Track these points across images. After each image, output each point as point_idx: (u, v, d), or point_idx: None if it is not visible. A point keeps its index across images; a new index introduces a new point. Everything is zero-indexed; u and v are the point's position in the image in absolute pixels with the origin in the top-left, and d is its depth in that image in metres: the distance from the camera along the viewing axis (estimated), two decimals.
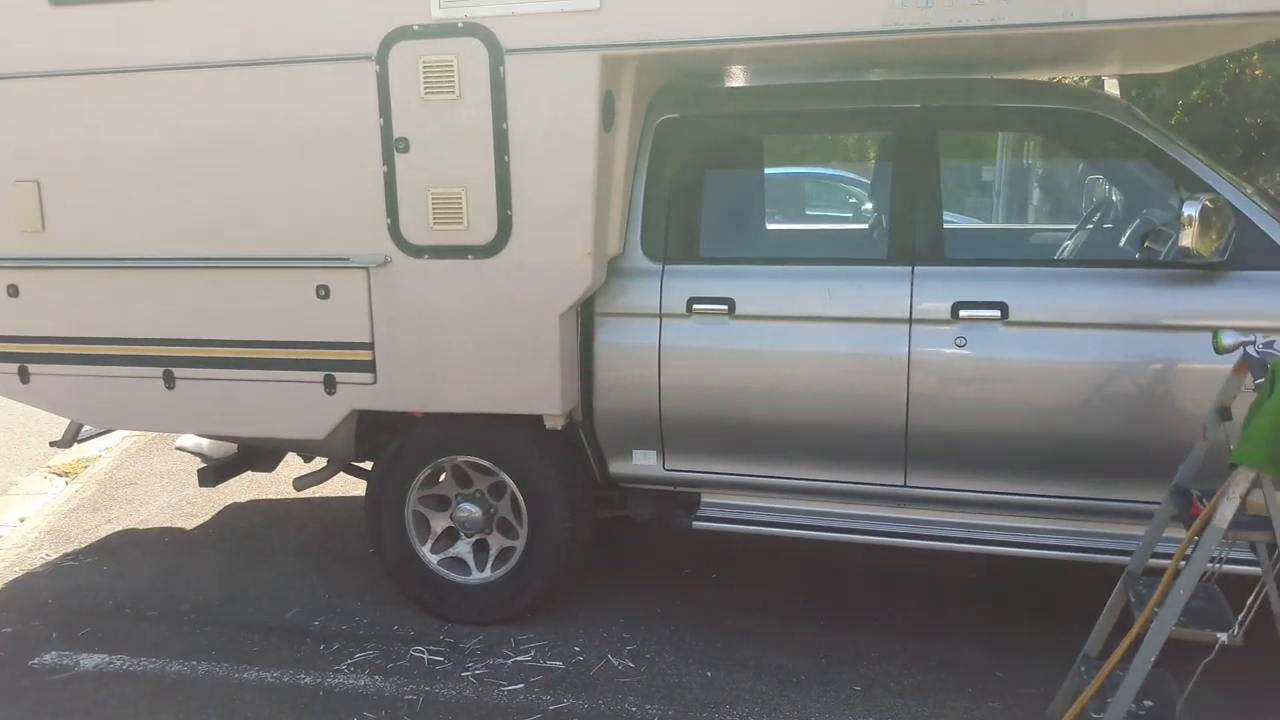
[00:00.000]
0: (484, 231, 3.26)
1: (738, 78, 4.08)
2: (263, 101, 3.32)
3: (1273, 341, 2.61)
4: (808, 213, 8.95)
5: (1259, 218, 3.09)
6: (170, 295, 3.56)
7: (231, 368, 3.56)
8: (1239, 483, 2.48)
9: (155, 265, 3.53)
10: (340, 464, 4.08)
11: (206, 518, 4.95)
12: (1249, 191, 3.23)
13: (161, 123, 3.41)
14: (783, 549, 3.90)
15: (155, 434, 6.03)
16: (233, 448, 4.22)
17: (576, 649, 3.55)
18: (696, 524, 3.55)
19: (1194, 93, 9.56)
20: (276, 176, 3.37)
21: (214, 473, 4.15)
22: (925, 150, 3.34)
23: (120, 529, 4.83)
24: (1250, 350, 2.62)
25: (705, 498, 3.61)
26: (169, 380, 3.62)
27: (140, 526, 4.86)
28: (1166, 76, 8.40)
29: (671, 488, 3.65)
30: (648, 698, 3.24)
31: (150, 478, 5.55)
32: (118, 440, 6.09)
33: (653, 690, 3.28)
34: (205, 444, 4.25)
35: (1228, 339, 2.65)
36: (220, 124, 3.37)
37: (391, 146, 3.25)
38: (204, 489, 4.49)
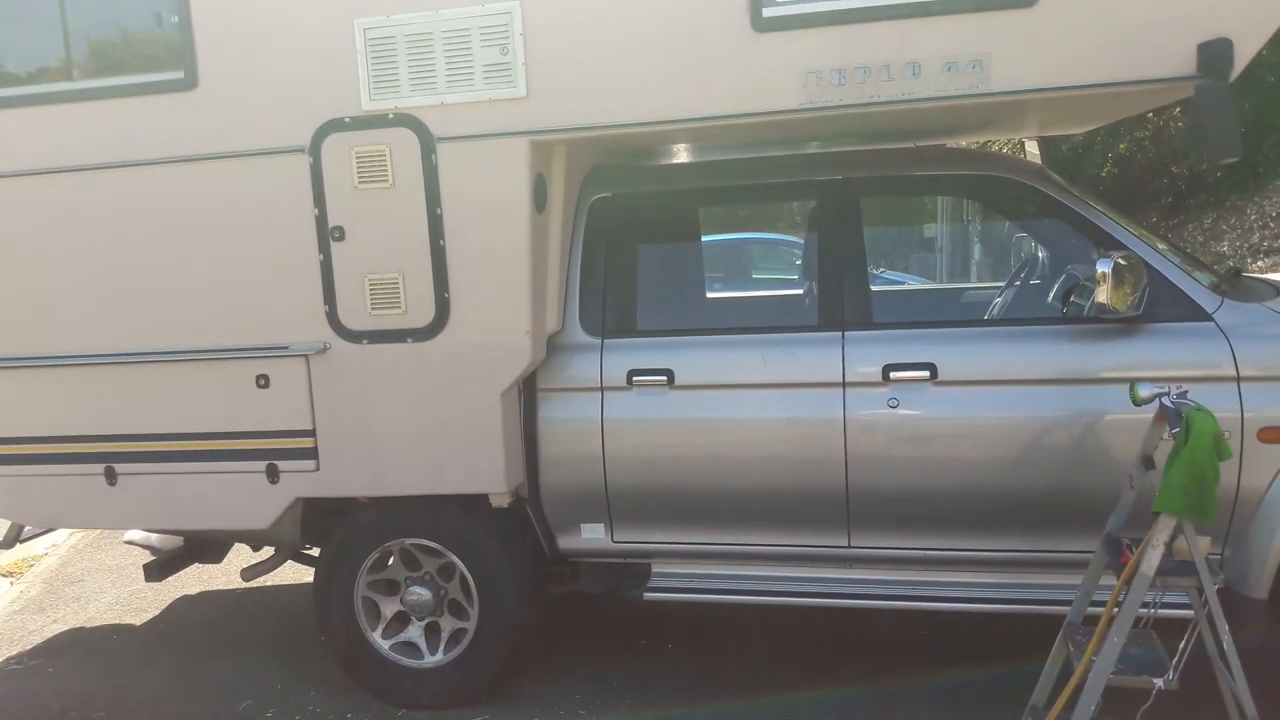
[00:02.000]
0: (422, 315, 3.31)
1: (668, 156, 4.20)
2: (197, 196, 3.36)
3: (1185, 392, 2.71)
4: (754, 276, 9.13)
5: (1170, 272, 3.21)
6: (109, 391, 3.55)
7: (173, 460, 3.54)
8: (1162, 531, 2.56)
9: (93, 362, 3.52)
10: (288, 552, 4.05)
11: (156, 612, 4.86)
12: (1161, 247, 3.36)
13: (97, 220, 3.44)
14: (736, 615, 3.91)
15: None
16: (180, 540, 4.17)
17: None
18: (648, 595, 3.55)
19: (1122, 145, 9.93)
20: (213, 269, 3.40)
21: (160, 567, 4.08)
22: (849, 219, 3.45)
23: (67, 628, 4.73)
24: (1165, 401, 2.71)
25: (656, 568, 3.62)
26: (110, 476, 3.59)
27: (88, 625, 4.76)
28: (1099, 130, 8.73)
29: (622, 559, 3.66)
30: None
31: (98, 573, 5.44)
32: (64, 536, 5.98)
33: None
34: (154, 537, 4.19)
35: (1144, 390, 2.75)
36: (155, 219, 3.40)
37: (327, 235, 3.30)
38: (152, 583, 4.41)
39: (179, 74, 3.27)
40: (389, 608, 3.75)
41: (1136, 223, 3.58)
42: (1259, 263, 8.92)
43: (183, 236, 3.40)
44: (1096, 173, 10.39)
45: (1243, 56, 2.81)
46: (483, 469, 3.38)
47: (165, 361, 3.48)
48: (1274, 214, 9.33)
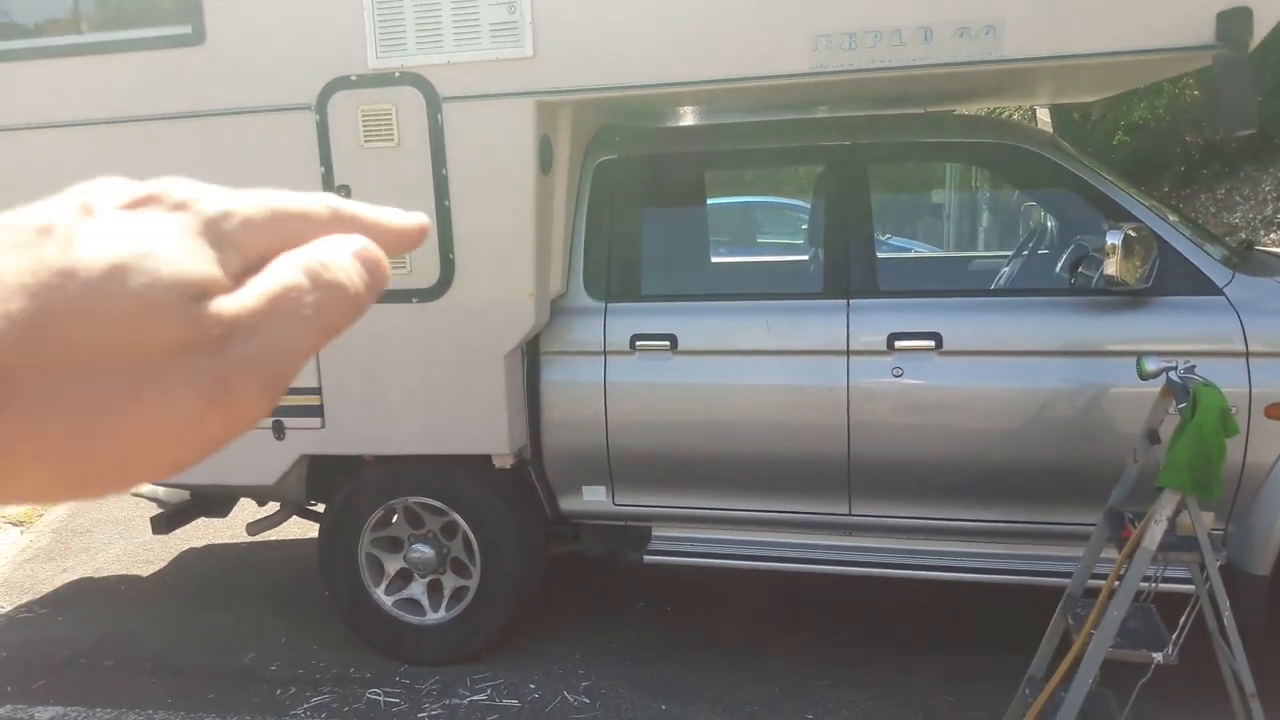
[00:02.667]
0: (427, 275, 3.30)
1: (674, 118, 4.15)
2: (203, 153, 3.34)
3: (1193, 366, 2.69)
4: (759, 240, 9.07)
5: (1181, 245, 3.17)
6: None
7: None
8: (1165, 506, 2.54)
9: None
10: (293, 508, 4.07)
11: (162, 565, 4.92)
12: (1172, 219, 3.33)
13: (105, 175, 3.42)
14: (735, 579, 3.93)
15: None
16: (185, 494, 4.21)
17: (532, 686, 3.57)
18: (648, 558, 3.58)
19: (1136, 113, 9.79)
20: None
21: (167, 520, 4.12)
22: (857, 185, 3.42)
23: (75, 578, 4.79)
24: (1172, 375, 2.69)
25: (656, 531, 3.65)
26: None
27: (96, 575, 4.82)
28: (1111, 97, 8.62)
29: (622, 522, 3.68)
30: None
31: (106, 525, 5.50)
32: None
33: None
34: (160, 490, 4.23)
35: (1150, 365, 2.73)
36: (162, 175, 3.38)
37: (333, 194, 3.28)
38: (159, 535, 4.46)
39: (186, 29, 3.24)
40: (392, 565, 3.79)
41: (1148, 193, 3.54)
42: (1272, 235, 8.83)
43: None
44: (1108, 140, 10.28)
45: (1263, 26, 2.76)
46: (486, 430, 3.40)
47: None
48: None
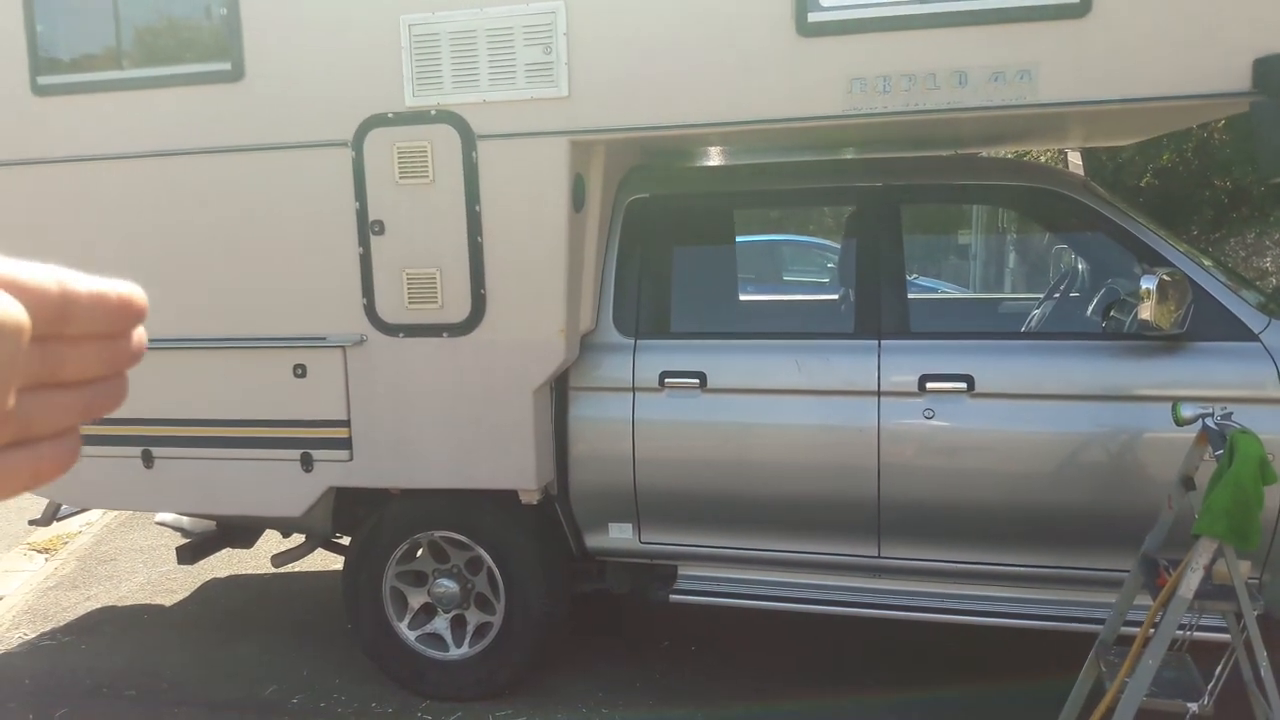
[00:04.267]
0: (458, 310, 3.32)
1: (706, 157, 4.18)
2: (240, 186, 3.39)
3: (1230, 413, 2.66)
4: (785, 278, 9.09)
5: (1216, 290, 3.15)
6: (149, 376, 3.58)
7: (210, 446, 3.58)
8: (1202, 554, 2.51)
9: None
10: (318, 540, 4.08)
11: (186, 594, 4.93)
12: (1207, 264, 3.31)
13: (143, 208, 3.48)
14: (762, 619, 3.90)
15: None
16: (211, 524, 4.22)
17: None
18: (674, 597, 3.55)
19: (1164, 157, 9.77)
20: (254, 258, 3.44)
21: (192, 550, 4.14)
22: (889, 226, 3.42)
23: (99, 606, 4.80)
24: (1209, 422, 2.67)
25: (682, 570, 3.62)
26: (147, 460, 3.64)
27: (119, 604, 4.83)
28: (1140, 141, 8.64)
29: (648, 560, 3.66)
30: None
31: (130, 553, 5.52)
32: (98, 515, 6.06)
33: None
34: (185, 520, 4.24)
35: (1186, 411, 2.70)
36: (199, 208, 3.44)
37: (367, 229, 3.32)
38: (183, 565, 4.47)
39: (226, 65, 3.31)
40: (416, 599, 3.77)
41: (1180, 237, 3.52)
42: None
43: (225, 226, 3.43)
44: (1136, 184, 10.26)
45: None
46: (513, 465, 3.40)
47: (205, 349, 3.53)
48: None
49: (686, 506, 3.47)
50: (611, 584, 3.75)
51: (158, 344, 3.51)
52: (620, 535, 3.59)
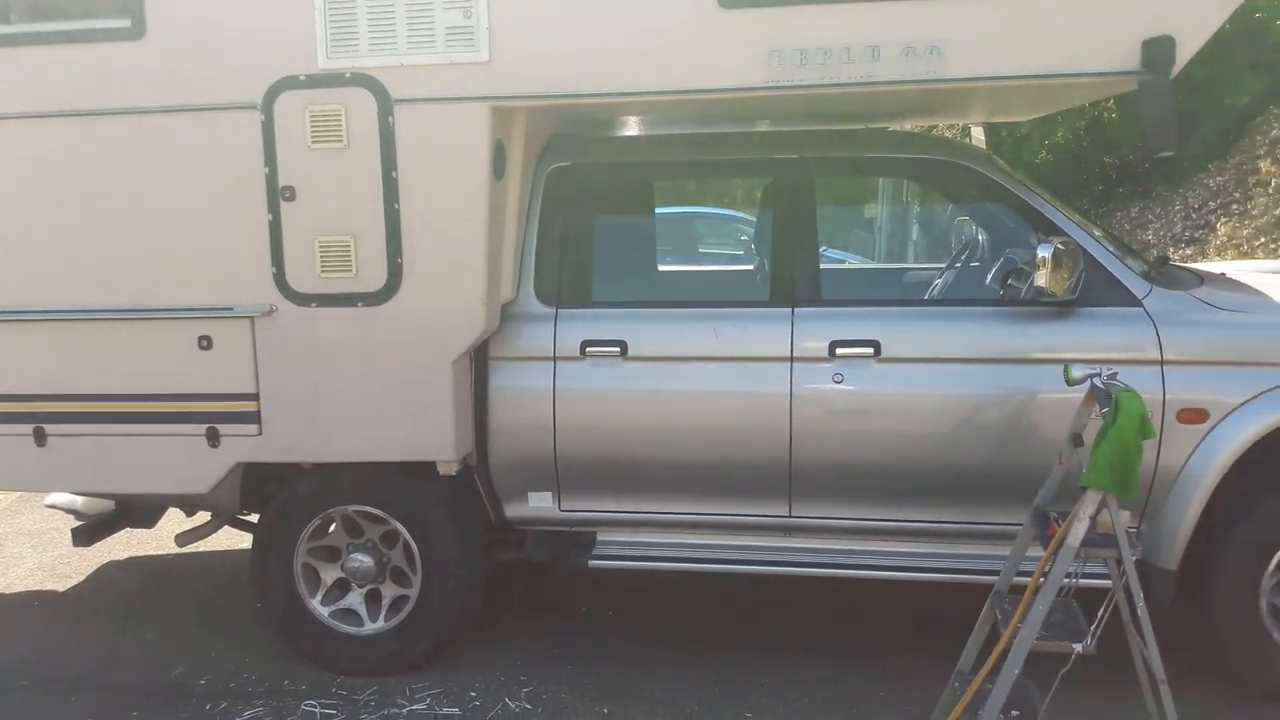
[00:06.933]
0: (374, 279, 3.27)
1: (628, 127, 4.20)
2: (144, 150, 3.26)
3: (1116, 373, 2.83)
4: (701, 250, 9.20)
5: (1105, 258, 3.34)
6: (41, 348, 3.43)
7: (109, 422, 3.45)
8: (1088, 505, 2.69)
9: (24, 318, 3.40)
10: (225, 518, 3.98)
11: (81, 578, 4.73)
12: (1097, 234, 3.50)
13: (39, 171, 3.32)
14: (678, 583, 3.98)
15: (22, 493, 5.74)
16: (109, 504, 4.07)
17: (473, 694, 3.54)
18: (593, 563, 3.59)
19: (1059, 134, 10.22)
20: (158, 225, 3.31)
21: (89, 531, 3.97)
22: (803, 198, 3.51)
23: None
24: (1096, 382, 2.83)
25: (601, 536, 3.67)
26: (40, 438, 3.48)
27: (8, 590, 4.61)
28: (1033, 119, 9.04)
29: (568, 528, 3.69)
30: None
31: (18, 538, 5.27)
32: None
33: None
34: (79, 501, 4.07)
35: (1077, 371, 2.87)
36: (101, 173, 3.29)
37: (277, 195, 3.23)
38: (78, 548, 4.29)
39: (126, 22, 3.16)
40: (329, 574, 3.72)
41: (1073, 209, 3.71)
42: (1180, 252, 9.32)
43: (125, 190, 3.29)
44: (1033, 159, 10.72)
45: (1184, 54, 2.94)
46: (431, 436, 3.37)
47: (104, 319, 3.38)
48: (1196, 205, 9.76)
49: (606, 473, 3.51)
50: (531, 553, 3.77)
51: (54, 315, 3.38)
52: (540, 504, 3.61)
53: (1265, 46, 10.17)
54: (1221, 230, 9.13)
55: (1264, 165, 9.32)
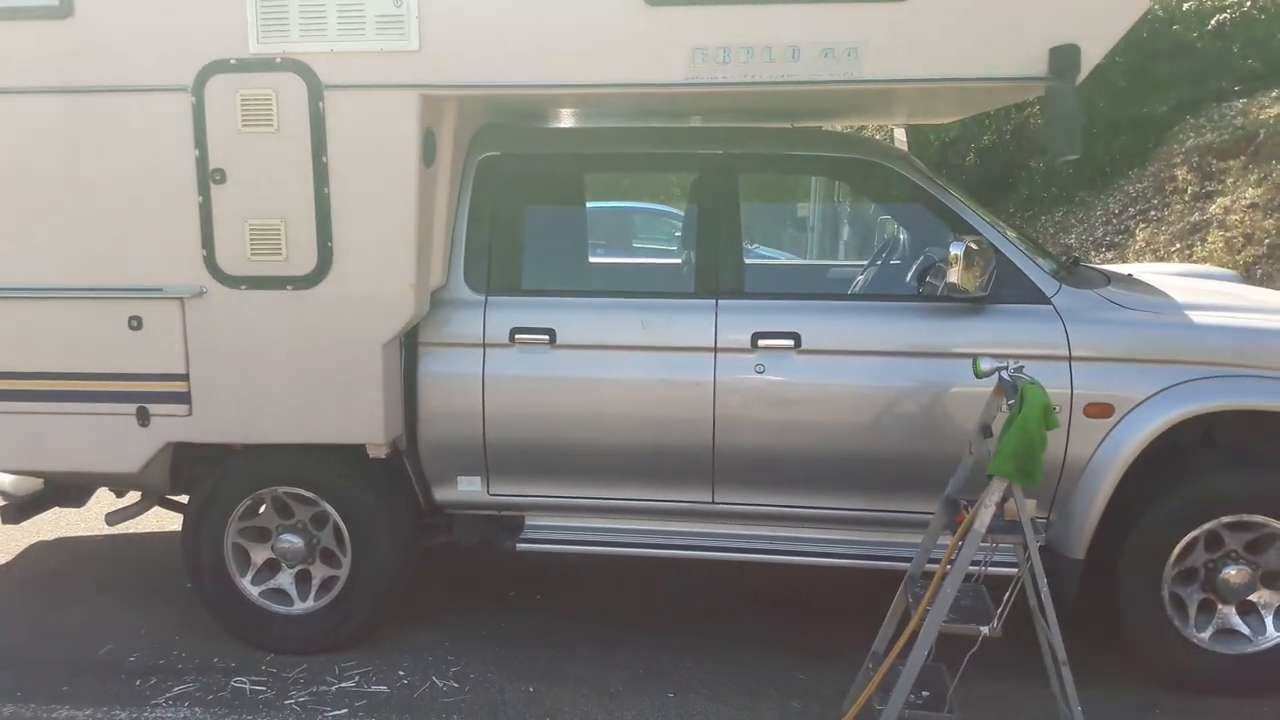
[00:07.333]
0: (304, 262, 3.31)
1: (558, 119, 4.27)
2: (73, 130, 3.26)
3: (1022, 366, 2.97)
4: (635, 245, 9.30)
5: (1016, 257, 3.47)
6: None
7: (39, 400, 3.45)
8: (994, 492, 2.81)
9: None
10: (155, 498, 3.99)
11: (8, 557, 4.70)
12: (1010, 234, 3.64)
13: None
14: (605, 567, 4.07)
15: None
16: (38, 483, 4.05)
17: (401, 673, 3.60)
18: (521, 546, 3.67)
19: (985, 137, 10.47)
20: (86, 205, 3.31)
21: (18, 509, 3.96)
22: (728, 192, 3.61)
23: None
24: (1003, 374, 2.96)
25: (529, 520, 3.74)
26: None
27: None
28: (960, 121, 9.22)
29: (496, 512, 3.76)
30: (471, 715, 3.33)
31: None
32: None
33: (476, 708, 3.37)
34: (7, 480, 4.05)
35: (985, 364, 3.00)
36: (29, 152, 3.29)
37: (208, 177, 3.25)
38: (5, 527, 4.26)
39: (53, 1, 3.15)
40: (259, 555, 3.76)
41: (992, 211, 3.85)
42: (1101, 256, 9.60)
43: (54, 170, 3.29)
44: (961, 162, 10.96)
45: (1089, 61, 3.07)
46: (361, 420, 3.42)
47: (34, 298, 3.38)
48: (1116, 210, 10.05)
49: (535, 458, 3.59)
50: (460, 536, 3.83)
51: None
52: (469, 488, 3.67)
53: (1181, 57, 10.50)
54: (1140, 235, 9.43)
55: (1180, 173, 9.63)
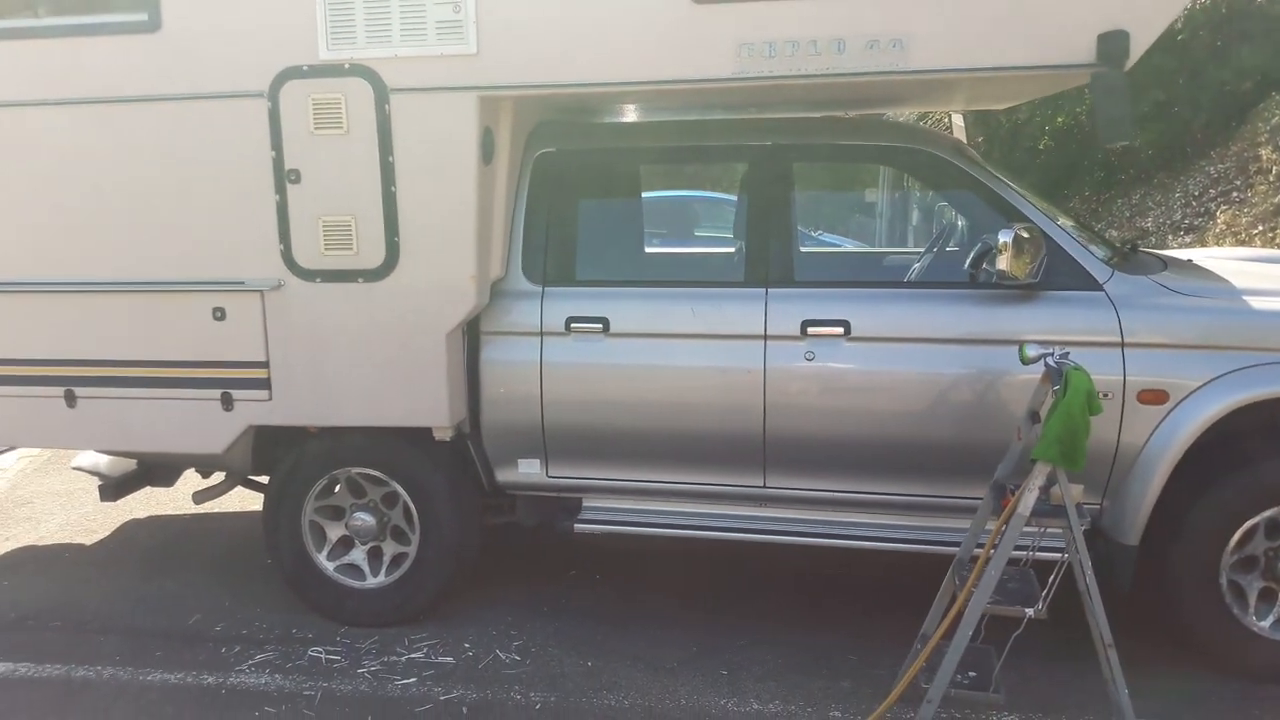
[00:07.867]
0: (373, 257, 3.49)
1: (611, 114, 4.38)
2: (160, 134, 3.49)
3: (1067, 353, 2.99)
4: (696, 234, 9.37)
5: (1068, 244, 3.47)
6: (73, 317, 3.69)
7: (132, 386, 3.71)
8: (1038, 476, 2.85)
9: (59, 289, 3.67)
10: (238, 478, 4.23)
11: (106, 534, 5.03)
12: (1061, 221, 3.64)
13: (65, 155, 3.56)
14: (661, 549, 4.19)
15: (50, 454, 6.07)
16: (131, 464, 4.34)
17: (466, 645, 3.78)
18: (578, 527, 3.81)
19: (1059, 119, 10.21)
20: (175, 205, 3.55)
21: (114, 487, 4.24)
22: (779, 182, 3.68)
23: (19, 546, 4.88)
24: (1049, 361, 2.99)
25: (586, 502, 3.88)
26: (70, 399, 3.75)
27: (39, 544, 4.92)
28: (1031, 103, 9.02)
29: (555, 493, 3.91)
30: (532, 686, 3.49)
31: (47, 497, 5.58)
32: (13, 461, 6.09)
33: (537, 680, 3.53)
34: (103, 463, 4.34)
35: (1031, 351, 3.02)
36: (121, 155, 3.53)
37: (284, 177, 3.46)
38: (103, 505, 4.58)
39: (143, 16, 3.39)
40: (334, 532, 3.98)
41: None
42: (1179, 240, 9.32)
43: (146, 173, 3.53)
44: (1034, 145, 10.72)
45: (1138, 48, 3.06)
46: (427, 404, 3.60)
47: (127, 291, 3.64)
48: (1196, 193, 9.71)
49: (590, 443, 3.72)
50: (521, 517, 4.00)
51: (82, 287, 3.64)
52: (529, 470, 3.83)
53: (1266, 30, 10.04)
54: (1221, 218, 9.11)
55: (1265, 153, 9.25)
